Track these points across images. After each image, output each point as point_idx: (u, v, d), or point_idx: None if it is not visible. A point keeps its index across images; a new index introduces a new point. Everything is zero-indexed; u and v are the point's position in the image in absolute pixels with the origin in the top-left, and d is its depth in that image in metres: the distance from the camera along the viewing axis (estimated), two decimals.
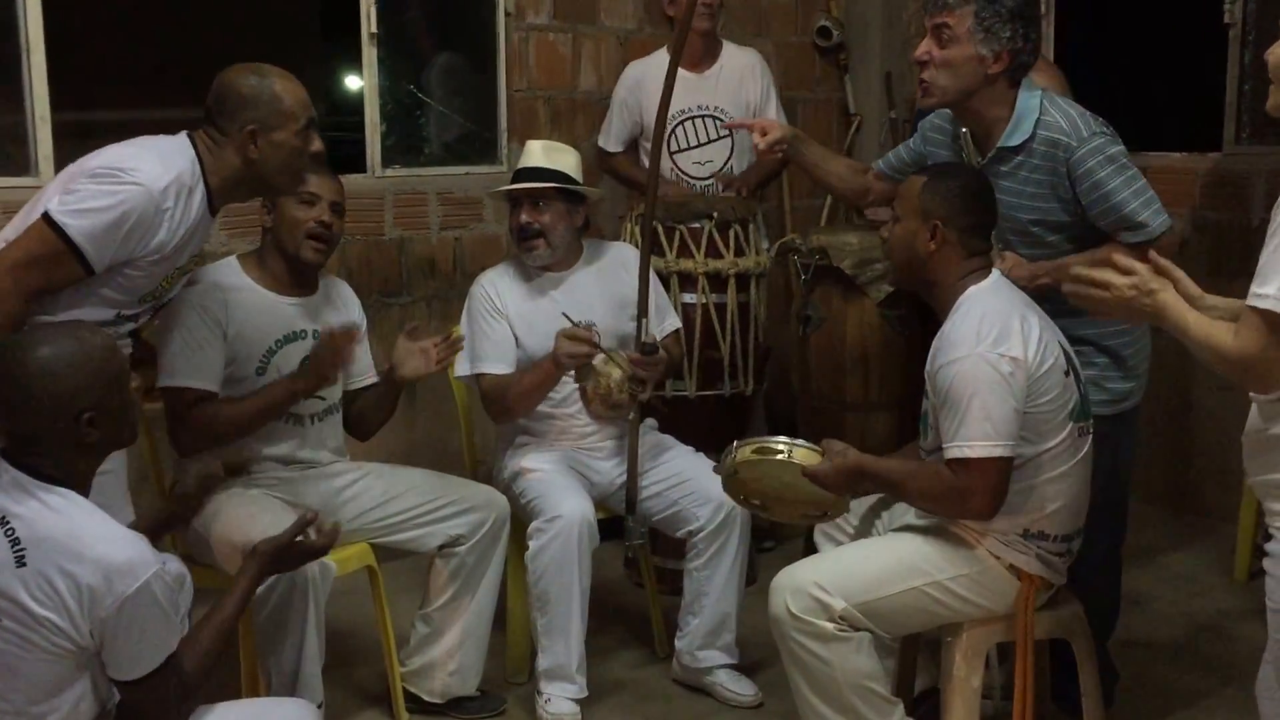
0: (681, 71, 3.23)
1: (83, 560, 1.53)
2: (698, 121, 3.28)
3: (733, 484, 2.15)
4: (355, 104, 3.57)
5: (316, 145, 2.11)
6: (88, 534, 1.56)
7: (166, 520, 1.95)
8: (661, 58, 3.30)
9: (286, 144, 2.06)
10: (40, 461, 1.60)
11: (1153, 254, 1.72)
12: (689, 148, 3.28)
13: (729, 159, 3.29)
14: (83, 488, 1.63)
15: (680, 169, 3.29)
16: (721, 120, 3.29)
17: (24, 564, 1.54)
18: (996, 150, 2.18)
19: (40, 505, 1.57)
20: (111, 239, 1.93)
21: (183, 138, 2.08)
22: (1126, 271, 1.63)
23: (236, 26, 4.32)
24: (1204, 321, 1.58)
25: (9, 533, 1.55)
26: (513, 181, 2.61)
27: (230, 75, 2.08)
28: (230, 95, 2.05)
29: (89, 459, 1.65)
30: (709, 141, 3.29)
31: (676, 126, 3.27)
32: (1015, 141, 2.16)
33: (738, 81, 3.31)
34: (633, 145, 3.36)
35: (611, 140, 3.36)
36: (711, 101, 3.28)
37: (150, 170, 1.96)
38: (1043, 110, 2.14)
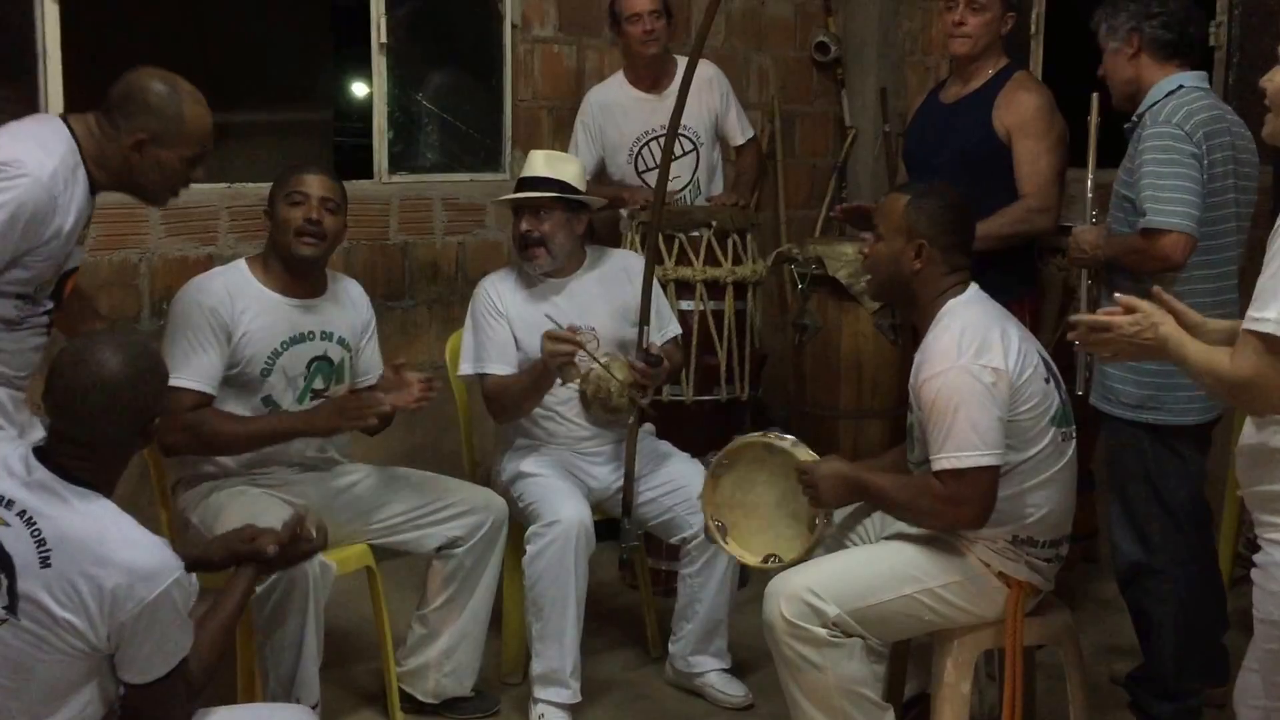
0: (640, 94, 3.32)
1: (107, 564, 1.54)
2: (662, 141, 3.31)
3: (711, 493, 2.18)
4: (362, 111, 3.61)
5: (198, 175, 2.09)
6: (113, 538, 1.57)
7: (198, 564, 1.90)
8: (619, 81, 3.37)
9: (169, 165, 2.03)
10: (77, 464, 1.61)
11: (1156, 289, 1.77)
12: (656, 167, 3.30)
13: (694, 173, 3.34)
14: (110, 491, 1.64)
15: (649, 186, 3.31)
16: (687, 136, 3.32)
17: (48, 565, 1.54)
18: (1133, 121, 2.38)
19: (68, 507, 1.58)
20: (10, 235, 1.89)
21: (54, 119, 2.05)
22: (1129, 309, 1.67)
23: (250, 33, 4.36)
24: (1202, 348, 1.61)
25: (35, 533, 1.56)
26: (515, 190, 2.65)
27: (144, 77, 2.03)
28: (136, 96, 2.01)
29: (125, 463, 1.67)
30: (675, 158, 3.30)
31: (642, 147, 3.32)
32: (1136, 115, 2.35)
33: (696, 96, 3.30)
34: (597, 175, 3.33)
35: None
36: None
37: (35, 160, 1.93)
38: (1167, 96, 2.30)
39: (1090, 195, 2.43)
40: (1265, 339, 1.50)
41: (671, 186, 3.30)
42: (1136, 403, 2.31)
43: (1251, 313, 1.52)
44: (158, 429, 1.67)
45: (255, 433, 2.31)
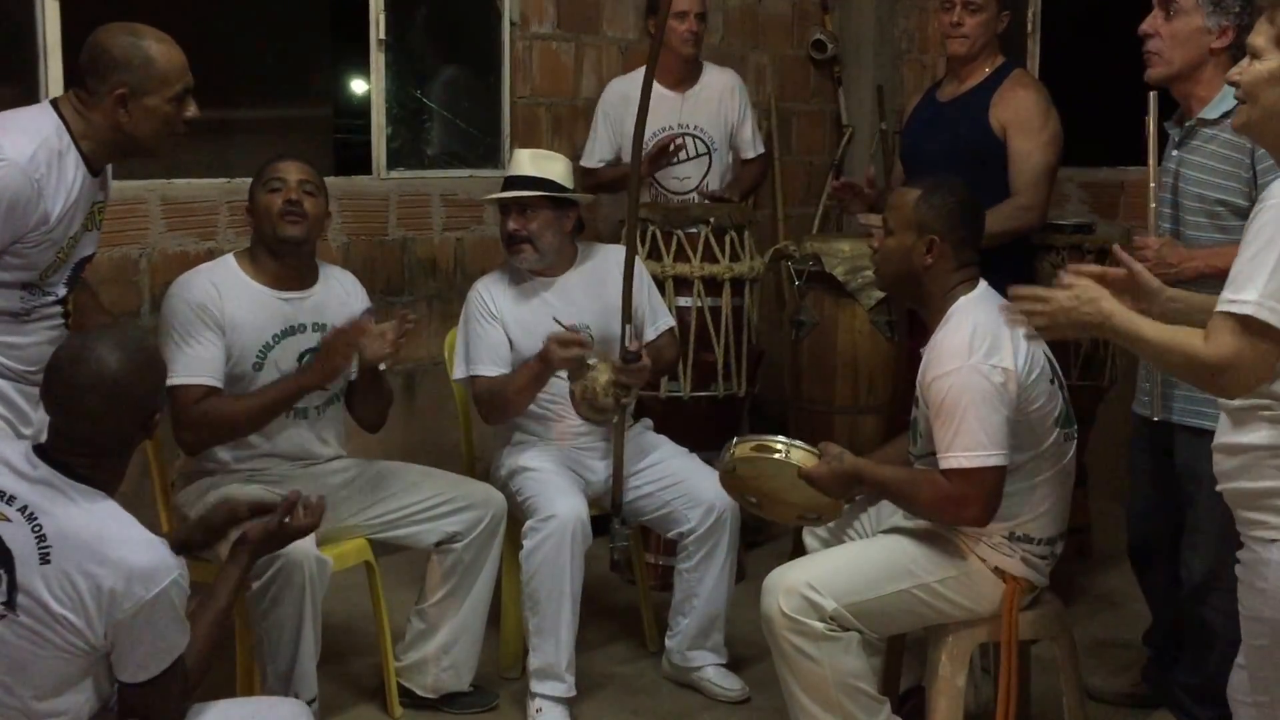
0: (663, 90, 3.30)
1: (106, 562, 1.55)
2: (679, 138, 3.32)
3: (730, 480, 2.20)
4: (361, 107, 3.63)
5: (191, 111, 2.04)
6: (113, 537, 1.57)
7: (183, 545, 1.95)
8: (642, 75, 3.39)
9: (159, 110, 1.99)
10: (79, 461, 1.61)
11: (1115, 247, 1.74)
12: (669, 164, 3.33)
13: (705, 175, 3.36)
14: (113, 488, 1.64)
15: (659, 184, 3.35)
16: (702, 139, 3.34)
17: (48, 561, 1.55)
18: (1196, 120, 2.18)
19: (69, 504, 1.58)
20: None
21: (44, 104, 2.03)
22: (1068, 286, 1.65)
23: (248, 30, 4.36)
24: (1163, 328, 1.59)
25: (36, 529, 1.56)
26: (502, 189, 2.65)
27: (104, 35, 1.98)
28: (102, 55, 1.96)
29: (128, 459, 1.68)
30: (688, 159, 3.34)
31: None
32: (1214, 114, 2.14)
33: (717, 101, 3.38)
34: (614, 163, 3.38)
35: (595, 158, 3.39)
36: (691, 120, 3.35)
37: (13, 144, 1.90)
38: None
39: (1153, 205, 2.18)
40: (1243, 320, 1.49)
41: (681, 187, 3.35)
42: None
43: (1228, 294, 1.51)
44: (158, 423, 1.67)
45: (264, 403, 2.30)
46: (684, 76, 3.35)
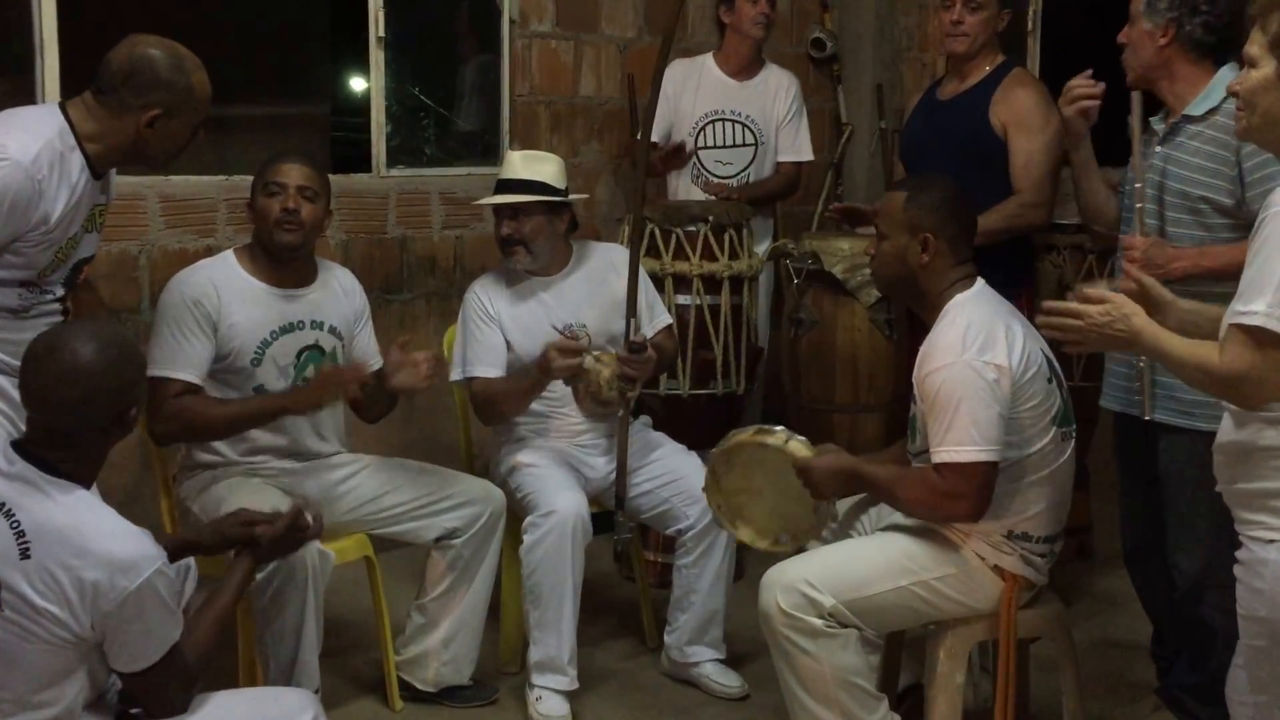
0: (722, 76, 3.40)
1: (86, 555, 1.55)
2: (729, 124, 3.37)
3: (713, 486, 2.21)
4: (360, 106, 3.63)
5: (201, 135, 2.13)
6: (92, 529, 1.57)
7: (190, 546, 1.96)
8: (706, 61, 3.42)
9: (180, 135, 2.07)
10: (55, 455, 1.61)
11: (1126, 265, 1.77)
12: (716, 146, 3.37)
13: (749, 164, 3.38)
14: (89, 482, 1.64)
15: (703, 164, 3.38)
16: (750, 128, 3.37)
17: (28, 556, 1.55)
18: (1181, 117, 2.22)
19: (46, 499, 1.58)
20: None
21: (51, 105, 2.05)
22: (1097, 301, 1.66)
23: (248, 27, 4.37)
24: (1184, 342, 1.60)
25: (14, 525, 1.56)
26: (494, 192, 2.64)
27: (147, 50, 2.02)
28: (145, 71, 2.00)
29: (105, 454, 1.68)
30: (736, 145, 3.38)
31: (708, 125, 3.38)
32: (1198, 111, 2.19)
33: (771, 96, 3.42)
34: (665, 140, 3.40)
35: (653, 132, 3.42)
36: (744, 109, 3.39)
37: (17, 143, 1.91)
38: None
39: (1140, 205, 2.19)
40: (1253, 332, 1.50)
41: (725, 173, 3.38)
42: (1193, 407, 2.15)
43: (1237, 306, 1.52)
44: (135, 418, 1.67)
45: (240, 413, 2.32)
46: (746, 66, 3.40)
